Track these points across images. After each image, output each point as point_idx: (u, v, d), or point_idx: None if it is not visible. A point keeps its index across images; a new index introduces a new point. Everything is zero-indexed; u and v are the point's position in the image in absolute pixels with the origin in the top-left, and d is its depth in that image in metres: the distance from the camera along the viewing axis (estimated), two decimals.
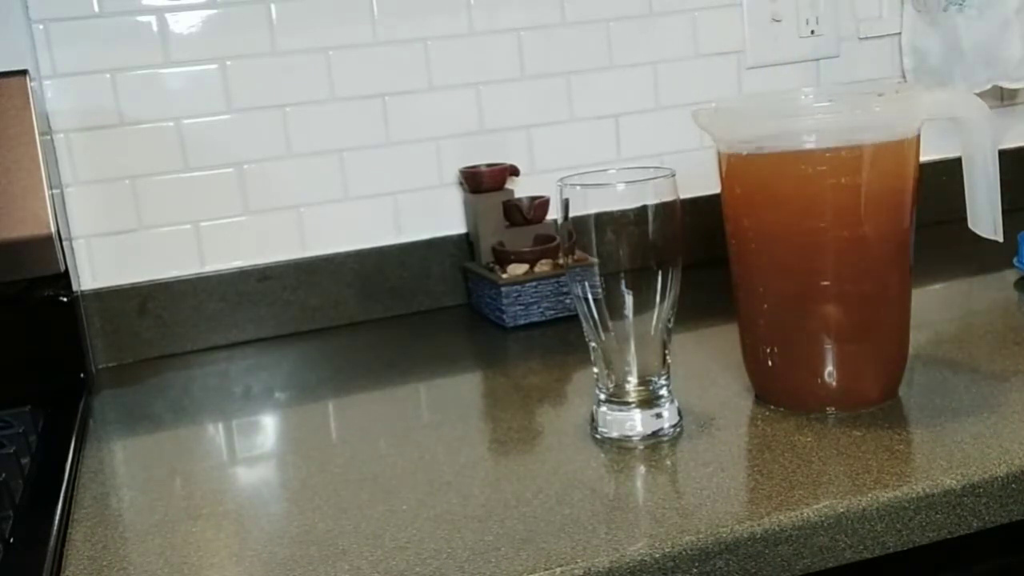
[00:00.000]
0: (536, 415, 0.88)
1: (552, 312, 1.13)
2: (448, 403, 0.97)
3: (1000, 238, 0.84)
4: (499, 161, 1.23)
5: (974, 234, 0.86)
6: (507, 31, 1.24)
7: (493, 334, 1.13)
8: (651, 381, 0.78)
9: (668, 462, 0.75)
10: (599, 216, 0.75)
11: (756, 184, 0.79)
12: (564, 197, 0.76)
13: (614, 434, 0.79)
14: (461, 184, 1.23)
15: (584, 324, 0.78)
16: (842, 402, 0.80)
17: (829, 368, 0.79)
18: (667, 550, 0.63)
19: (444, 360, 1.07)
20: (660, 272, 0.75)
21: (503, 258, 1.15)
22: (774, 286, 0.80)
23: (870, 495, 0.66)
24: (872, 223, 0.77)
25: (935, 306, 1.04)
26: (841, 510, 0.66)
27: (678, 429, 0.79)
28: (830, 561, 0.66)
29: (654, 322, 0.77)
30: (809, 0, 1.35)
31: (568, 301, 1.13)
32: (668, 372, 0.79)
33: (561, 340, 1.07)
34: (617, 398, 0.79)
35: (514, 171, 1.23)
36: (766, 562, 0.65)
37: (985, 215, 0.85)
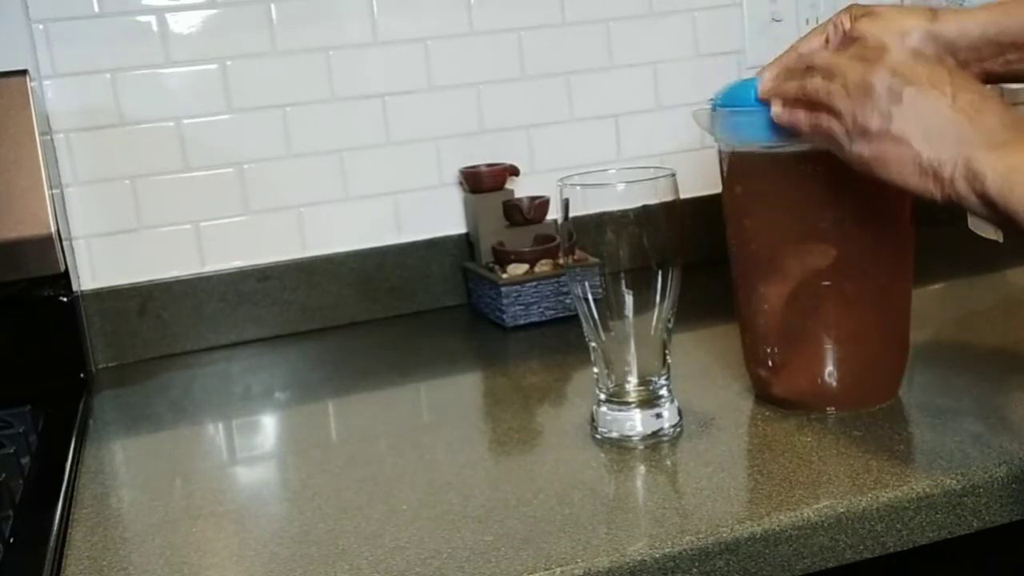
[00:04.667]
0: (536, 415, 0.88)
1: (552, 312, 1.13)
2: (448, 403, 0.97)
3: (1000, 238, 0.85)
4: (499, 161, 1.23)
5: (974, 234, 0.86)
6: (507, 31, 1.24)
7: (493, 334, 1.13)
8: (651, 381, 0.78)
9: (668, 462, 0.75)
10: (599, 216, 0.75)
11: (757, 183, 0.79)
12: (564, 197, 0.76)
13: (614, 434, 0.79)
14: (461, 184, 1.23)
15: (584, 324, 0.78)
16: (842, 402, 0.80)
17: (829, 368, 0.79)
18: (667, 550, 0.63)
19: (444, 360, 1.07)
20: (660, 272, 0.75)
21: (503, 258, 1.15)
22: (774, 286, 0.80)
23: (870, 495, 0.66)
24: (873, 223, 0.77)
25: (935, 306, 1.04)
26: (841, 510, 0.66)
27: (678, 429, 0.79)
28: (830, 561, 0.66)
29: (654, 322, 0.77)
30: (809, 0, 1.35)
31: (568, 301, 1.13)
32: (668, 372, 0.79)
33: (561, 340, 1.07)
34: (617, 398, 0.79)
35: (514, 171, 1.23)
36: (766, 562, 0.65)
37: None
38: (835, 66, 0.66)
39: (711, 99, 0.80)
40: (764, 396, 0.83)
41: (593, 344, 0.79)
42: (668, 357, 0.79)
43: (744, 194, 0.80)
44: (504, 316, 1.12)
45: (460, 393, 1.00)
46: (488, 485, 0.74)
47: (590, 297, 0.77)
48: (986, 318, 1.02)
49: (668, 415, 0.79)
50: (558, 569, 0.61)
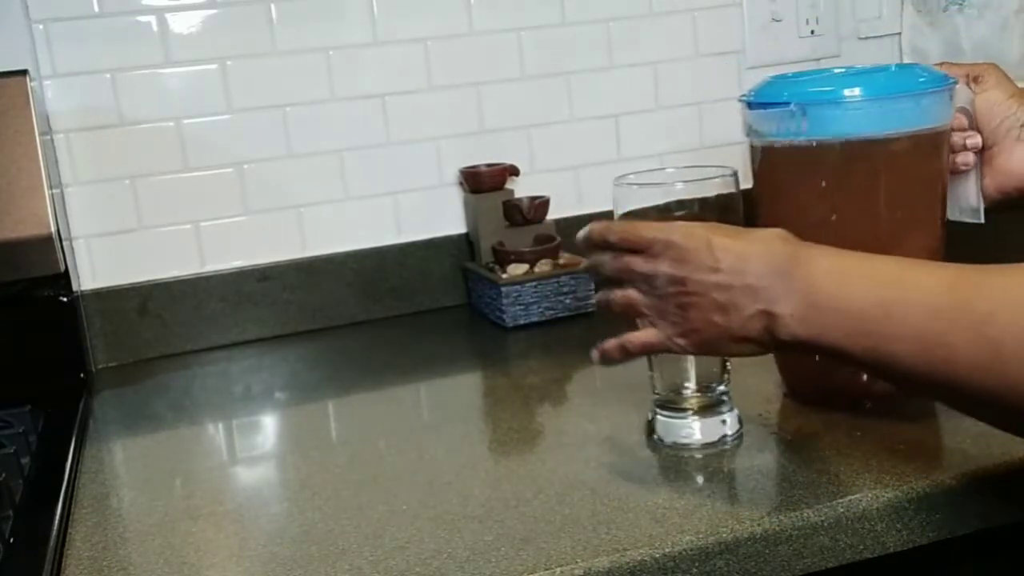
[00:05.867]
0: (536, 415, 0.88)
1: (552, 312, 1.13)
2: (448, 403, 0.97)
3: (982, 220, 0.86)
4: (499, 161, 1.23)
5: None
6: (507, 31, 1.24)
7: (493, 334, 1.13)
8: (710, 387, 0.76)
9: (668, 463, 0.75)
10: (656, 214, 0.73)
11: (795, 175, 0.78)
12: (618, 196, 0.74)
13: (670, 442, 0.77)
14: (461, 184, 1.23)
15: None
16: (876, 394, 0.79)
17: None
18: (667, 550, 0.63)
19: (444, 360, 1.07)
20: None
21: (503, 258, 1.15)
22: None
23: (870, 495, 0.66)
24: (910, 212, 0.77)
25: None
26: (841, 510, 0.66)
27: (738, 438, 0.77)
28: (830, 561, 0.66)
29: None
30: (809, 0, 1.35)
31: (568, 301, 1.13)
32: (728, 378, 0.77)
33: (561, 340, 1.07)
34: (673, 404, 0.77)
35: (514, 171, 1.23)
36: (766, 562, 0.65)
37: (970, 200, 0.86)
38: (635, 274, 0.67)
39: (744, 96, 0.80)
40: (798, 393, 0.82)
41: None
42: (728, 362, 0.77)
43: (779, 187, 0.79)
44: (504, 316, 1.12)
45: (460, 393, 1.00)
46: (488, 485, 0.74)
47: None
48: None
49: (730, 422, 0.77)
50: (558, 569, 0.61)
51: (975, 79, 0.84)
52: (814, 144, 0.76)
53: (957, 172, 0.85)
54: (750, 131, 0.81)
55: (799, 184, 0.78)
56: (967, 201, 0.86)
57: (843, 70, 0.84)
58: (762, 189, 0.81)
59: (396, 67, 1.21)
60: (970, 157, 0.84)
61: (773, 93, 0.78)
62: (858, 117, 0.75)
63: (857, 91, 0.75)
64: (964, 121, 0.83)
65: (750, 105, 0.79)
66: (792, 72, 0.83)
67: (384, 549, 0.65)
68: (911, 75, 0.79)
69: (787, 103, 0.76)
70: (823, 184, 0.77)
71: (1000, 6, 1.33)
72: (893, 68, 0.81)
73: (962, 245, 1.03)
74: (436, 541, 0.66)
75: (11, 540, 0.70)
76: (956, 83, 0.79)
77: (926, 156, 0.77)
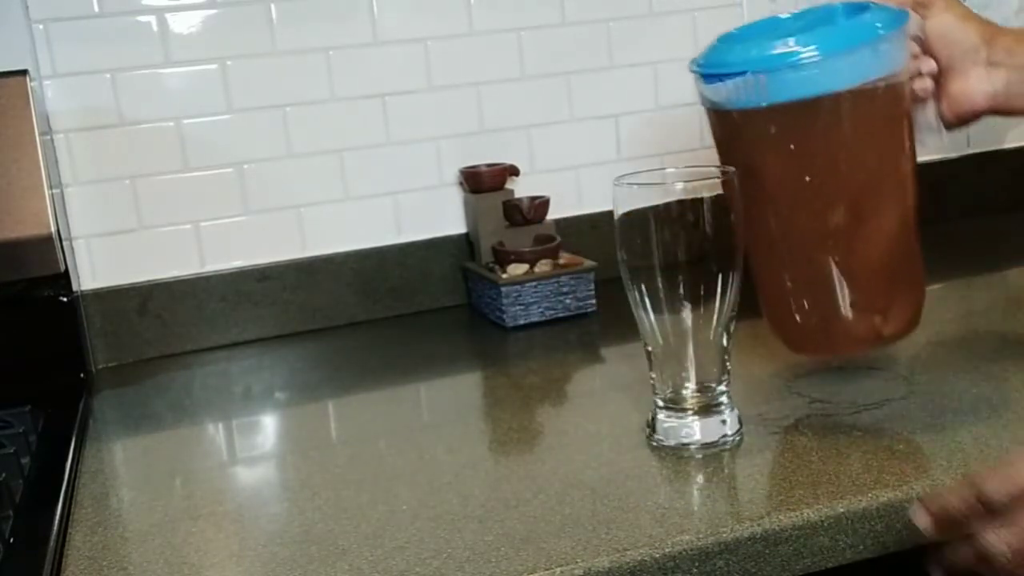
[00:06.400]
0: (536, 415, 0.88)
1: (552, 312, 1.13)
2: (448, 403, 0.97)
3: (945, 142, 0.86)
4: (499, 161, 1.23)
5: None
6: (507, 31, 1.24)
7: (493, 334, 1.13)
8: (710, 387, 0.76)
9: (667, 462, 0.75)
10: (652, 214, 0.73)
11: (761, 142, 0.77)
12: (618, 196, 0.74)
13: (671, 442, 0.76)
14: (461, 184, 1.23)
15: (641, 327, 0.76)
16: (876, 337, 0.79)
17: (855, 302, 0.78)
18: (667, 550, 0.63)
19: (444, 360, 1.07)
20: (720, 274, 0.73)
21: (503, 258, 1.15)
22: (792, 236, 0.78)
23: (870, 495, 0.66)
24: (885, 157, 0.76)
25: (935, 306, 1.04)
26: (841, 510, 0.66)
27: (739, 437, 0.77)
28: (830, 561, 0.66)
29: (713, 325, 0.74)
30: (809, 0, 1.34)
31: (568, 301, 1.13)
32: (728, 378, 0.77)
33: (561, 340, 1.07)
34: (675, 404, 0.77)
35: (514, 171, 1.23)
36: (766, 562, 0.65)
37: (930, 124, 0.86)
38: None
39: (695, 65, 0.78)
40: (800, 349, 0.82)
41: (649, 348, 0.76)
42: (728, 363, 0.76)
43: (749, 152, 0.78)
44: (504, 316, 1.12)
45: (460, 393, 1.00)
46: (488, 485, 0.74)
47: (647, 300, 0.74)
48: (986, 318, 1.02)
49: (730, 422, 0.77)
50: (558, 569, 0.61)
51: (922, 4, 0.82)
52: (777, 108, 0.74)
53: (915, 100, 0.83)
54: (705, 100, 0.78)
55: (767, 151, 0.76)
56: (927, 126, 0.86)
57: (790, 16, 0.82)
58: (728, 158, 0.78)
59: (396, 67, 1.21)
60: (927, 82, 0.83)
61: (725, 60, 0.76)
62: (821, 76, 0.73)
63: (816, 50, 0.72)
64: (916, 48, 0.82)
65: (704, 77, 0.77)
66: (737, 28, 0.80)
67: (384, 549, 0.66)
68: (866, 20, 0.76)
69: (744, 72, 0.73)
70: (792, 148, 0.76)
71: (1000, 6, 1.33)
72: (840, 7, 0.78)
73: (961, 244, 1.04)
74: (436, 541, 0.66)
75: (11, 540, 0.70)
76: (909, 18, 0.77)
77: (894, 97, 0.77)
